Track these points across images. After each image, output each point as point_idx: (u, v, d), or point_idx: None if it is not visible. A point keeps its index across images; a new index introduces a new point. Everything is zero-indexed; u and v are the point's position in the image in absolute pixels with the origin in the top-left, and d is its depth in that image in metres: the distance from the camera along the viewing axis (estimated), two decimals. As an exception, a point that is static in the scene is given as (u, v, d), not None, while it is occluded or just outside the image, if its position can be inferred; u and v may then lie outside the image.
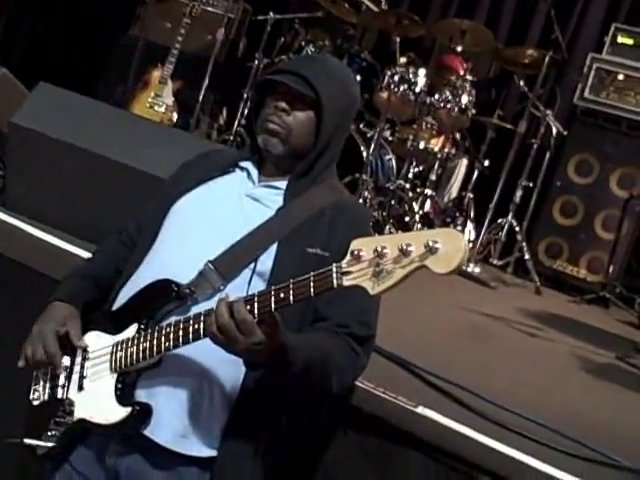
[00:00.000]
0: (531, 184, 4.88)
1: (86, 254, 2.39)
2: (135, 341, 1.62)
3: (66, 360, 1.72)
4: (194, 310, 1.61)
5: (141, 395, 1.63)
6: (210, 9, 5.52)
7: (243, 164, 1.87)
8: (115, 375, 1.64)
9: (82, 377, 1.69)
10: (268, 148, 1.79)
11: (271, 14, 5.47)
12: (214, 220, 1.76)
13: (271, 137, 1.78)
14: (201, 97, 5.25)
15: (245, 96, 5.30)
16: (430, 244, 1.31)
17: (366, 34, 6.00)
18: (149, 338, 1.60)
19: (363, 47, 5.53)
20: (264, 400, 1.65)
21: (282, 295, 1.45)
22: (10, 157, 2.74)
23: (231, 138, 5.17)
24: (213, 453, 1.63)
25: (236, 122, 5.32)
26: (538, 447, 1.99)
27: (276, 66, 5.03)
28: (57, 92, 2.84)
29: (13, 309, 2.46)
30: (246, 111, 5.16)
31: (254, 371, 1.57)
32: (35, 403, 1.76)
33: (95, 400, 1.65)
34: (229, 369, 1.62)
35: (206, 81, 5.27)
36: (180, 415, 1.62)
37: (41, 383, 1.75)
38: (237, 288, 1.63)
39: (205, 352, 1.58)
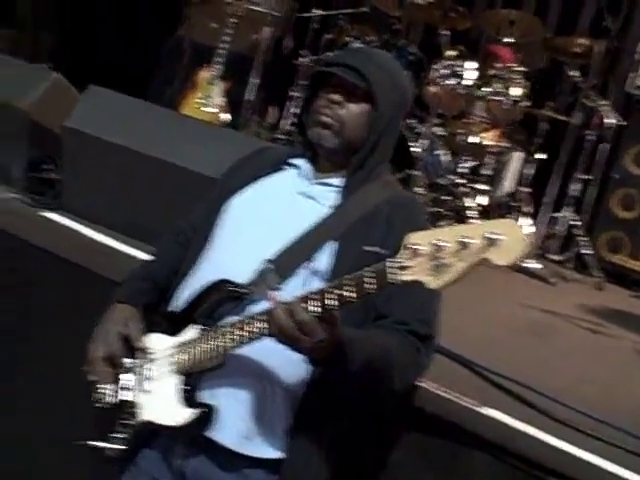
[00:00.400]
0: (588, 177, 4.77)
1: (141, 255, 2.41)
2: (197, 342, 1.61)
3: (129, 362, 1.72)
4: (252, 310, 1.59)
5: (204, 396, 1.62)
6: (255, 8, 5.52)
7: (294, 161, 1.85)
8: (178, 377, 1.63)
9: (145, 379, 1.69)
10: (321, 142, 1.77)
11: (316, 11, 5.45)
12: (268, 219, 1.75)
13: (324, 130, 1.75)
14: (249, 96, 5.26)
15: (293, 94, 5.29)
16: (490, 236, 1.28)
17: (412, 28, 5.94)
18: (210, 339, 1.59)
19: (410, 41, 5.47)
20: (327, 399, 1.63)
21: (339, 292, 1.43)
22: (65, 160, 2.78)
23: (281, 137, 5.16)
24: (278, 454, 1.62)
25: (284, 120, 5.32)
26: (603, 446, 1.95)
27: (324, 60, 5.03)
28: (107, 94, 2.86)
29: (71, 311, 2.50)
30: (293, 109, 5.16)
31: (317, 367, 1.56)
32: (100, 406, 1.75)
33: (160, 402, 1.65)
34: (291, 369, 1.60)
35: (254, 80, 5.28)
36: (243, 416, 1.61)
37: (105, 385, 1.75)
38: (294, 287, 1.62)
39: (266, 352, 1.57)
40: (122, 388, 1.72)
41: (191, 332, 1.64)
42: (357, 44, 5.09)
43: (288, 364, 1.59)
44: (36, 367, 2.60)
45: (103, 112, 2.75)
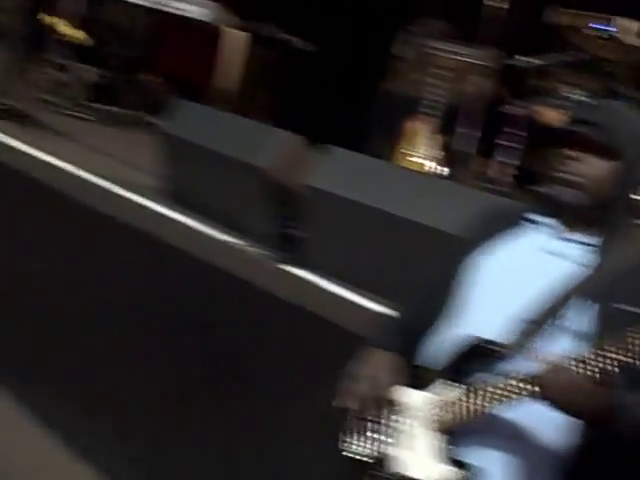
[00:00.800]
0: None
1: (383, 309, 2.44)
2: (456, 400, 1.61)
3: (382, 413, 1.71)
4: (509, 369, 1.57)
5: (464, 455, 1.60)
6: (463, 59, 5.54)
7: (534, 217, 1.82)
8: (435, 433, 1.62)
9: (401, 432, 1.67)
10: (567, 200, 1.73)
11: (524, 58, 5.37)
12: (515, 276, 1.72)
13: (569, 188, 1.72)
14: (460, 147, 5.24)
15: (502, 143, 5.22)
16: None
17: (629, 70, 5.70)
18: (470, 397, 1.58)
19: (627, 85, 5.24)
20: (595, 464, 1.57)
21: (608, 355, 1.41)
22: (308, 218, 2.92)
23: (493, 187, 5.10)
24: None
25: (493, 170, 5.24)
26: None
27: (535, 111, 4.94)
28: (343, 154, 2.99)
29: (312, 361, 2.60)
30: (502, 158, 5.08)
31: (586, 430, 1.52)
32: (348, 455, 1.73)
33: (419, 458, 1.63)
34: (556, 431, 1.57)
35: (463, 130, 5.28)
36: (505, 478, 1.59)
37: (354, 434, 1.73)
38: (551, 347, 1.57)
39: (530, 412, 1.54)
40: (374, 439, 1.70)
41: (444, 388, 1.64)
42: (570, 91, 4.96)
43: (554, 426, 1.55)
44: (275, 417, 2.73)
45: (341, 171, 2.88)
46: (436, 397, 1.65)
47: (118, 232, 3.37)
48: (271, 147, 3.19)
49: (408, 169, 4.16)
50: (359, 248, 2.77)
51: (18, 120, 4.73)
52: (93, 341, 3.28)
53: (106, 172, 3.87)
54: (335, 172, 2.90)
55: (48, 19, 6.42)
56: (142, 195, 3.56)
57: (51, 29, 6.37)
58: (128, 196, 3.58)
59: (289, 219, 2.99)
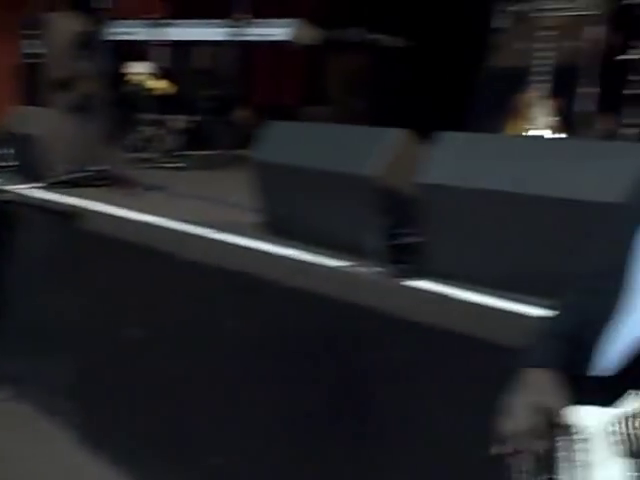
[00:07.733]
0: None
1: (533, 311, 2.10)
2: None
3: (552, 442, 1.44)
4: None
5: None
6: (569, 13, 5.10)
7: None
8: (631, 460, 1.34)
9: (577, 463, 1.41)
10: None
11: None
12: None
13: None
14: (581, 107, 4.84)
15: (630, 93, 4.74)
16: None
17: None
18: None
19: None
20: None
21: None
22: (424, 220, 2.58)
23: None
24: None
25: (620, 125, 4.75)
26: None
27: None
28: (459, 138, 2.64)
29: (448, 382, 2.31)
30: (626, 109, 4.64)
31: None
32: None
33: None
34: None
35: (583, 89, 4.85)
36: None
37: (521, 469, 1.47)
38: None
39: None
40: (544, 474, 1.45)
41: (634, 401, 1.36)
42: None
43: None
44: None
45: (456, 160, 2.51)
46: (623, 413, 1.38)
47: (226, 280, 3.18)
48: (374, 151, 2.86)
49: (543, 138, 3.75)
50: (492, 242, 2.37)
51: (112, 184, 4.71)
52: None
53: (204, 218, 3.70)
54: (456, 163, 2.52)
55: (135, 77, 6.54)
56: (244, 234, 3.32)
57: (140, 86, 6.51)
58: (231, 239, 3.33)
59: (403, 226, 2.65)
